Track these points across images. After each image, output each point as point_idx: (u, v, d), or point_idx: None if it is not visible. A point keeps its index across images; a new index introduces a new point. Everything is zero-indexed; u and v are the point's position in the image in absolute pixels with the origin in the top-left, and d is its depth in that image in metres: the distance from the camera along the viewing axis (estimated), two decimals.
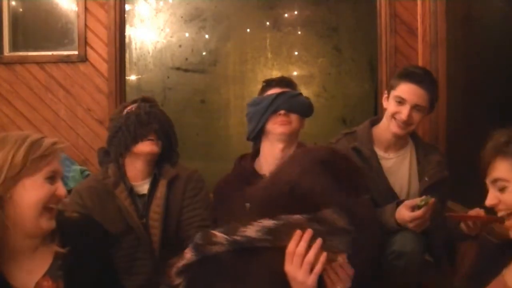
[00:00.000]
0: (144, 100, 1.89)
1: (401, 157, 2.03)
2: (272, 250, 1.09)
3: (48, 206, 1.20)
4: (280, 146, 1.83)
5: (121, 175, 1.82)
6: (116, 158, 1.81)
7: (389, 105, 1.98)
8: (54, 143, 1.23)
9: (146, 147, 1.79)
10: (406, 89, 1.91)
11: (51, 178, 1.21)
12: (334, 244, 1.06)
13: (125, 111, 1.85)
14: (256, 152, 1.92)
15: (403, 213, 1.72)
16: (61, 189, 1.23)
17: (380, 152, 2.01)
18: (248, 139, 1.94)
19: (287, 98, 1.81)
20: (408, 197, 1.97)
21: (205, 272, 1.12)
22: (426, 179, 1.96)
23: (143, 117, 1.79)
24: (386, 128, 2.00)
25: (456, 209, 2.14)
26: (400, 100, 1.91)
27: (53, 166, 1.21)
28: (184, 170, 1.89)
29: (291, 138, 1.84)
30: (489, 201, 1.17)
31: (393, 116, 1.94)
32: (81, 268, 1.26)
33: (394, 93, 1.95)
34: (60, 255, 1.25)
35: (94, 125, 3.17)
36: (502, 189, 1.14)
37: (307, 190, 1.08)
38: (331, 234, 1.06)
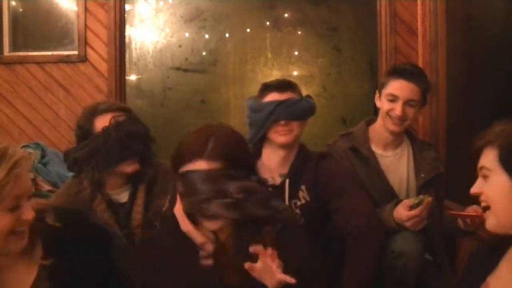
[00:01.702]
0: (118, 109, 1.71)
1: (398, 154, 2.04)
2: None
3: (14, 231, 1.12)
4: (281, 153, 1.83)
5: (98, 186, 1.70)
6: (92, 175, 1.68)
7: (382, 103, 2.00)
8: (12, 168, 1.08)
9: (127, 167, 1.69)
10: (396, 86, 1.94)
11: (13, 207, 1.11)
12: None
13: (97, 125, 1.68)
14: (257, 153, 1.91)
15: (400, 212, 1.73)
16: (28, 212, 1.12)
17: (378, 151, 2.02)
18: (250, 143, 1.93)
19: (286, 107, 1.78)
20: (407, 194, 1.98)
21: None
22: (422, 175, 1.97)
23: (125, 141, 1.64)
24: (382, 126, 2.01)
25: (455, 209, 2.15)
26: (393, 98, 1.94)
27: (13, 193, 1.09)
28: (163, 170, 1.76)
29: (292, 144, 1.85)
30: (473, 189, 1.17)
31: (387, 113, 1.96)
32: (71, 276, 1.20)
33: (385, 91, 1.97)
34: (47, 266, 1.19)
35: None
36: (485, 178, 1.14)
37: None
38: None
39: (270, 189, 1.79)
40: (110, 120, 1.66)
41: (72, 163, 1.71)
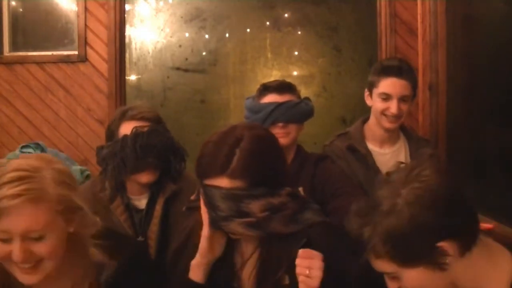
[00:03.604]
0: (143, 119, 1.72)
1: (396, 151, 2.04)
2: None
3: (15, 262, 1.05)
4: None
5: (119, 188, 1.74)
6: (111, 176, 1.71)
7: (374, 103, 2.00)
8: (6, 197, 0.99)
9: (141, 178, 1.70)
10: (388, 84, 1.94)
11: (4, 240, 1.03)
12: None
13: (122, 130, 1.70)
14: None
15: None
16: (14, 253, 1.02)
17: (375, 148, 2.02)
18: None
19: (285, 109, 1.79)
20: None
21: None
22: None
23: (139, 153, 1.65)
24: (376, 124, 2.02)
25: None
26: (386, 97, 1.94)
27: (3, 225, 1.01)
28: (189, 184, 1.74)
29: (289, 146, 1.84)
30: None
31: (382, 113, 1.96)
32: None
33: (377, 90, 1.97)
34: None
35: (94, 125, 3.17)
36: (396, 278, 1.04)
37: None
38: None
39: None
40: (133, 129, 1.67)
41: (100, 159, 1.73)
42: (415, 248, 0.99)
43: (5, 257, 1.04)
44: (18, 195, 1.00)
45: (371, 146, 2.02)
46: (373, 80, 1.99)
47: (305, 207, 1.24)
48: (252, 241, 1.23)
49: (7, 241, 1.03)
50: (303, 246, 1.15)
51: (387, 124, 1.97)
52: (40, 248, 1.04)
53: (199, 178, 1.18)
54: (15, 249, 1.02)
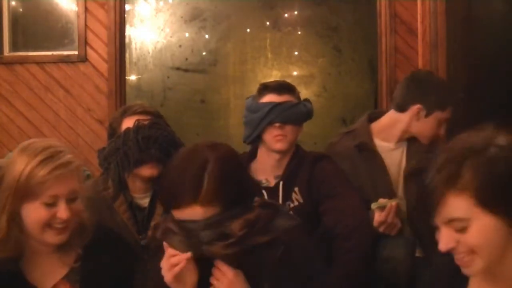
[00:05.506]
0: (145, 113, 1.74)
1: (401, 148, 2.00)
2: None
3: (51, 225, 1.24)
4: (276, 156, 1.82)
5: (122, 186, 1.73)
6: (114, 174, 1.72)
7: (428, 124, 1.93)
8: (54, 169, 1.21)
9: (144, 171, 1.69)
10: (451, 111, 1.94)
11: (50, 204, 1.23)
12: (171, 242, 1.19)
13: (124, 126, 1.72)
14: (253, 153, 1.90)
15: (374, 217, 1.72)
16: (62, 212, 1.23)
17: (382, 143, 1.98)
18: (244, 142, 1.92)
19: (281, 111, 1.77)
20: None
21: None
22: (414, 162, 1.94)
23: (141, 144, 1.66)
24: (400, 129, 1.94)
25: None
26: (444, 122, 1.93)
27: (53, 191, 1.22)
28: None
29: (287, 151, 1.83)
30: (445, 245, 0.97)
31: (433, 135, 1.94)
32: (98, 276, 1.31)
33: (442, 115, 1.92)
34: (80, 260, 1.31)
35: (94, 125, 3.17)
36: (461, 230, 0.96)
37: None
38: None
39: (264, 191, 1.77)
40: (134, 122, 1.69)
41: (103, 158, 1.74)
42: (506, 192, 0.93)
43: (48, 219, 1.22)
44: (68, 163, 1.23)
45: (379, 142, 1.98)
46: (441, 103, 1.91)
47: (277, 213, 1.26)
48: (230, 260, 1.21)
49: (52, 205, 1.22)
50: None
51: (427, 142, 1.96)
52: (75, 207, 1.27)
53: (166, 207, 1.19)
54: (62, 208, 1.23)
